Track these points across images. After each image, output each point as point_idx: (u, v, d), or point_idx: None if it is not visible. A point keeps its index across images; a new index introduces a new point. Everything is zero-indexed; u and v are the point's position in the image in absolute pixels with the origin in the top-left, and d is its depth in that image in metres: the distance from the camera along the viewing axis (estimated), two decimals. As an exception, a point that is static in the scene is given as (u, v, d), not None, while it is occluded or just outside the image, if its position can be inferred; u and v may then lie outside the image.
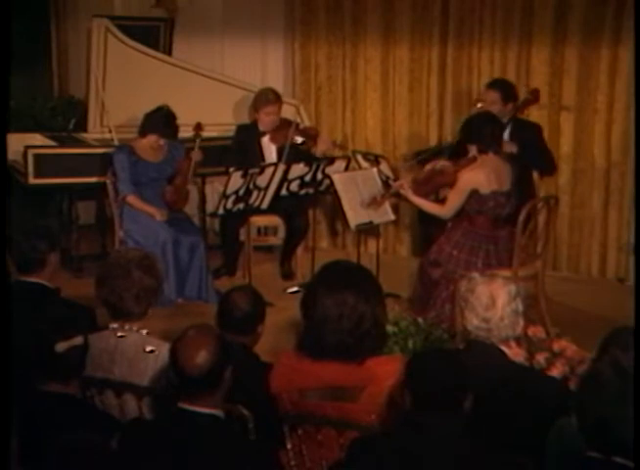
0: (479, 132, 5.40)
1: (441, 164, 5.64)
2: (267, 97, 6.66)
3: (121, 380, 3.48)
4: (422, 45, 7.13)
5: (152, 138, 6.14)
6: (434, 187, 5.67)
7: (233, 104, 7.17)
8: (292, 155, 6.44)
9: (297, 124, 6.70)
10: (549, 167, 6.40)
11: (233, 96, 7.17)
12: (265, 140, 6.67)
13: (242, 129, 6.80)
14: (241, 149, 6.64)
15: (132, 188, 6.14)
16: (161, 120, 6.11)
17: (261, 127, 6.67)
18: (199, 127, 6.49)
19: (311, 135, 6.70)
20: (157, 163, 6.22)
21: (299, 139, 6.60)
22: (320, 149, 6.70)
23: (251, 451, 2.85)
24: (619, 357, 2.72)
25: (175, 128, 6.16)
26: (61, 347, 3.00)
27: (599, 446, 2.48)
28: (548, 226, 5.63)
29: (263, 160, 6.59)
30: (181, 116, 6.25)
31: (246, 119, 7.00)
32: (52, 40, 8.40)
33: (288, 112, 7.05)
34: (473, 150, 5.39)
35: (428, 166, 5.70)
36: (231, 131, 6.86)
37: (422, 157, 6.37)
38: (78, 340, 3.02)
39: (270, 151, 6.66)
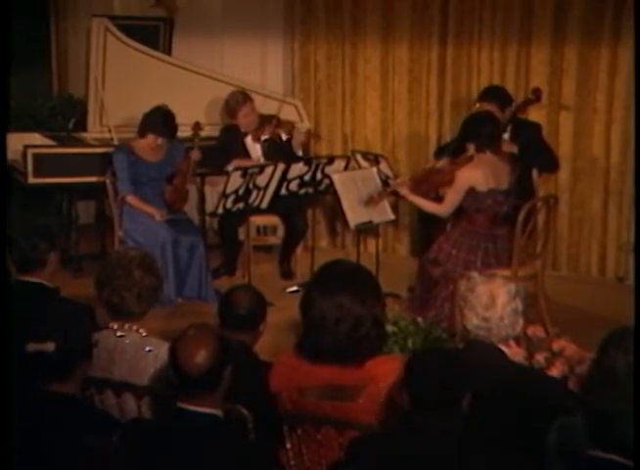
0: (477, 131, 5.42)
1: (440, 162, 5.67)
2: (237, 100, 6.74)
3: (121, 380, 3.48)
4: (421, 45, 7.13)
5: (151, 138, 6.13)
6: (432, 186, 5.68)
7: (232, 103, 7.17)
8: (272, 150, 6.60)
9: (279, 119, 6.75)
10: (550, 165, 6.40)
11: (232, 96, 7.17)
12: (249, 140, 6.73)
13: (225, 130, 6.86)
14: (224, 150, 6.68)
15: (131, 188, 6.14)
16: (160, 120, 6.11)
17: (242, 129, 6.71)
18: (197, 127, 6.50)
19: (286, 128, 6.76)
20: (156, 162, 6.22)
21: (284, 136, 6.67)
22: (297, 140, 6.75)
23: (251, 451, 2.85)
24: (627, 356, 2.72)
25: (174, 128, 6.16)
26: (31, 347, 3.00)
27: (605, 443, 2.48)
28: (548, 226, 5.63)
29: (250, 159, 6.66)
30: (181, 115, 6.25)
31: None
32: (51, 40, 8.40)
33: (288, 111, 7.07)
34: (471, 148, 5.41)
35: (427, 165, 5.72)
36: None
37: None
38: (49, 346, 3.01)
39: (255, 149, 6.73)
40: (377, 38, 7.27)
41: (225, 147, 6.73)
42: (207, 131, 6.77)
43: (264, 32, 7.71)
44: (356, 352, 3.17)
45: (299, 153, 6.85)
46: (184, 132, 6.48)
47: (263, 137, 6.68)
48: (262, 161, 6.59)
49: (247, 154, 6.72)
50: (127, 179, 6.13)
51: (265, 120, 6.74)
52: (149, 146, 6.16)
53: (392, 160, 7.02)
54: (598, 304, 6.07)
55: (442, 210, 5.49)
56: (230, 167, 6.43)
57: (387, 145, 7.39)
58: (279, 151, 6.61)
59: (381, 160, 6.35)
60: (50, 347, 2.98)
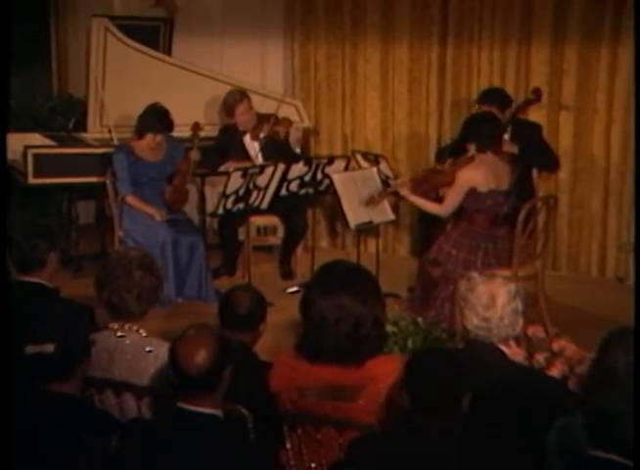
0: (477, 132, 5.43)
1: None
2: (234, 98, 6.75)
3: (121, 380, 3.49)
4: (421, 45, 7.13)
5: (150, 137, 6.13)
6: (432, 186, 5.68)
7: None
8: (270, 147, 6.60)
9: (277, 117, 6.76)
10: (551, 164, 6.40)
11: (232, 96, 7.17)
12: (247, 139, 6.73)
13: (223, 130, 6.87)
14: (222, 150, 6.69)
15: (131, 188, 6.14)
16: (156, 118, 6.10)
17: (241, 127, 6.71)
18: (197, 127, 6.49)
19: (284, 125, 6.77)
20: (156, 162, 6.21)
21: (282, 133, 6.73)
22: (294, 137, 6.76)
23: (251, 451, 2.85)
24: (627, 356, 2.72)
25: (170, 123, 6.13)
26: (30, 349, 3.00)
27: (605, 443, 2.48)
28: (548, 226, 5.63)
29: (248, 158, 6.64)
30: (181, 115, 6.25)
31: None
32: (51, 40, 8.40)
33: (288, 111, 7.06)
34: (472, 149, 5.41)
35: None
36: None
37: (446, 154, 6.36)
38: (49, 347, 3.01)
39: (254, 148, 6.73)
40: (377, 38, 7.27)
41: (222, 147, 6.74)
42: (207, 131, 6.78)
43: (264, 32, 7.71)
44: (356, 353, 3.17)
45: (297, 150, 6.85)
46: (184, 132, 6.48)
47: (262, 134, 6.68)
48: (260, 158, 6.59)
49: (245, 153, 6.72)
50: (127, 180, 6.12)
51: (264, 119, 6.75)
52: (149, 145, 6.16)
53: (392, 160, 7.02)
54: (598, 304, 6.07)
55: (443, 210, 5.49)
56: (224, 169, 6.46)
57: (387, 145, 7.39)
58: (277, 149, 6.62)
59: (381, 160, 6.35)
60: (49, 348, 2.99)
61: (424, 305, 5.43)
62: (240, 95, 6.76)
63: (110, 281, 3.62)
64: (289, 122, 6.84)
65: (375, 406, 3.13)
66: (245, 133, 6.75)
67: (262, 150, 6.65)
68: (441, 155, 6.45)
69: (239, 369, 2.94)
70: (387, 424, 3.07)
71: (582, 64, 6.57)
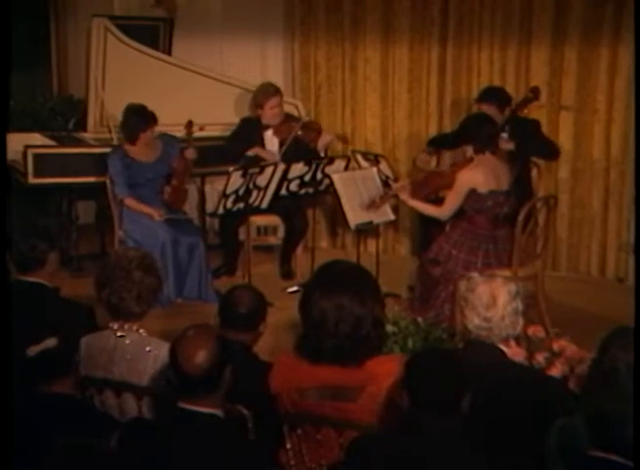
0: (474, 133, 5.41)
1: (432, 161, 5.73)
2: (268, 91, 6.71)
3: (121, 380, 3.49)
4: (421, 45, 7.13)
5: (143, 136, 6.10)
6: (432, 189, 5.68)
7: (233, 103, 7.18)
8: (293, 149, 6.54)
9: (306, 122, 6.76)
10: (551, 152, 6.36)
11: (233, 95, 7.18)
12: (268, 134, 6.69)
13: (245, 122, 6.82)
14: (242, 140, 6.65)
15: (128, 191, 6.12)
16: (136, 117, 6.08)
17: (265, 121, 6.68)
18: (190, 126, 6.45)
19: (314, 129, 6.74)
20: (152, 163, 6.19)
21: (299, 132, 6.64)
22: (323, 141, 6.73)
23: (251, 451, 2.85)
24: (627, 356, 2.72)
25: (152, 114, 6.10)
26: (32, 350, 3.00)
27: (606, 443, 2.48)
28: (547, 226, 5.63)
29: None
30: (180, 115, 6.25)
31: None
32: (52, 40, 8.40)
33: (288, 111, 7.06)
34: (469, 150, 5.40)
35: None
36: (231, 131, 6.87)
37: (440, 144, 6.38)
38: (51, 342, 3.01)
39: (273, 144, 6.69)
40: (377, 38, 7.26)
41: (242, 136, 6.68)
42: (207, 131, 6.77)
43: (264, 32, 7.70)
44: (356, 353, 3.17)
45: (322, 154, 6.81)
46: (183, 132, 6.48)
47: (299, 132, 6.60)
48: (278, 157, 6.55)
49: (262, 147, 6.69)
50: (123, 183, 6.11)
51: (290, 119, 6.73)
52: (145, 144, 6.14)
53: (392, 160, 7.02)
54: (598, 304, 6.07)
55: (443, 213, 5.48)
56: (251, 153, 6.49)
57: (387, 145, 7.39)
58: (301, 151, 6.54)
59: (381, 160, 6.35)
60: (52, 342, 2.99)
61: (424, 306, 5.43)
62: (274, 89, 6.73)
63: (109, 281, 3.62)
64: (319, 126, 6.83)
65: (375, 406, 3.13)
66: (267, 128, 6.71)
67: (286, 149, 6.58)
68: (434, 143, 6.47)
69: (239, 369, 2.94)
70: (387, 424, 3.07)
71: (582, 64, 6.57)
